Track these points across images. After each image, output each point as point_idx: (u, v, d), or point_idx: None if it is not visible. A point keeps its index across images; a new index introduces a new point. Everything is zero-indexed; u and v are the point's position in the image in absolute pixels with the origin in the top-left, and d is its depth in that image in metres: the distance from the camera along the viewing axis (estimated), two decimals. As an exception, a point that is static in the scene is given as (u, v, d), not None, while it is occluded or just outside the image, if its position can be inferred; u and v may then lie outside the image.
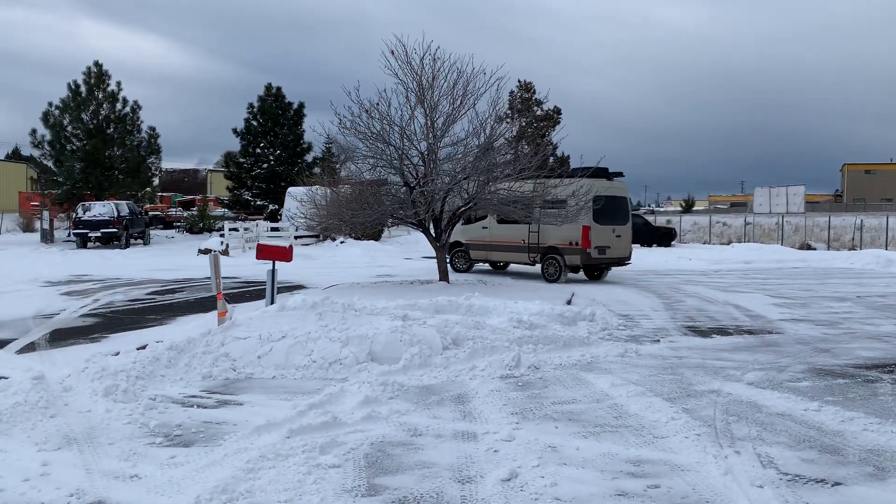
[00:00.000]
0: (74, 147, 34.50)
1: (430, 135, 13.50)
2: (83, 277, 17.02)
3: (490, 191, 14.01)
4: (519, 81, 48.08)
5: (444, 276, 14.31)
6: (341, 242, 27.62)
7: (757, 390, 6.45)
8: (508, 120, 34.65)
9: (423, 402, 6.06)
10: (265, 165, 38.21)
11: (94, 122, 34.90)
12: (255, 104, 39.23)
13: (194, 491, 4.07)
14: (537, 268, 17.49)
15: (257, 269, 16.23)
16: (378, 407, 5.76)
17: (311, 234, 26.85)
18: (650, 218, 40.04)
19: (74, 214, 30.17)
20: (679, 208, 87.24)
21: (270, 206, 36.94)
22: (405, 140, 13.43)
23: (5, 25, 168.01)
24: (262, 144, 38.80)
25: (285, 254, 10.43)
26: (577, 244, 16.27)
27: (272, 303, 10.02)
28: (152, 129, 36.96)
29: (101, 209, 29.37)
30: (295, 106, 39.34)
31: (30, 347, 8.66)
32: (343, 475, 4.37)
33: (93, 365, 6.67)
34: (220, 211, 43.62)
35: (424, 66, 13.48)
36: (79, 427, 5.33)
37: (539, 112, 47.89)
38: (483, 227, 18.25)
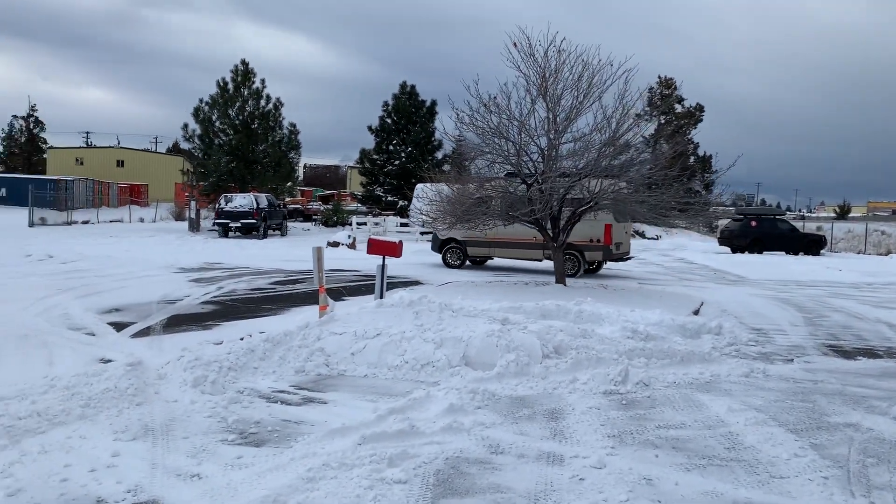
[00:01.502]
0: (221, 141, 36.50)
1: (552, 129, 12.91)
2: (215, 265, 17.77)
3: (613, 189, 13.24)
4: (659, 77, 46.20)
5: (560, 279, 13.69)
6: (466, 240, 27.43)
7: (907, 428, 5.49)
8: (647, 117, 33.26)
9: (512, 414, 5.60)
10: (397, 162, 38.83)
11: (240, 117, 36.76)
12: (390, 102, 39.96)
13: (248, 498, 3.85)
14: (544, 264, 17.95)
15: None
16: (462, 417, 5.36)
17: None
18: (797, 224, 37.08)
19: (218, 205, 31.88)
20: (833, 214, 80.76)
21: (400, 202, 37.43)
22: (524, 135, 12.92)
23: (171, 28, 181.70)
24: (394, 142, 39.47)
25: (395, 249, 10.27)
26: (599, 241, 17.05)
27: (381, 297, 9.90)
28: (293, 125, 38.52)
29: (241, 201, 30.84)
30: (427, 104, 39.71)
31: (144, 332, 8.95)
32: (407, 493, 4.01)
33: (188, 354, 6.71)
34: (353, 206, 44.82)
35: (549, 58, 12.91)
36: (160, 417, 5.29)
37: (679, 109, 45.79)
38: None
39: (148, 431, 4.98)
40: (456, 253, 19.32)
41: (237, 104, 36.79)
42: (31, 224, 32.59)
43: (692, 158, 41.56)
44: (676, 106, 45.53)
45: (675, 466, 4.53)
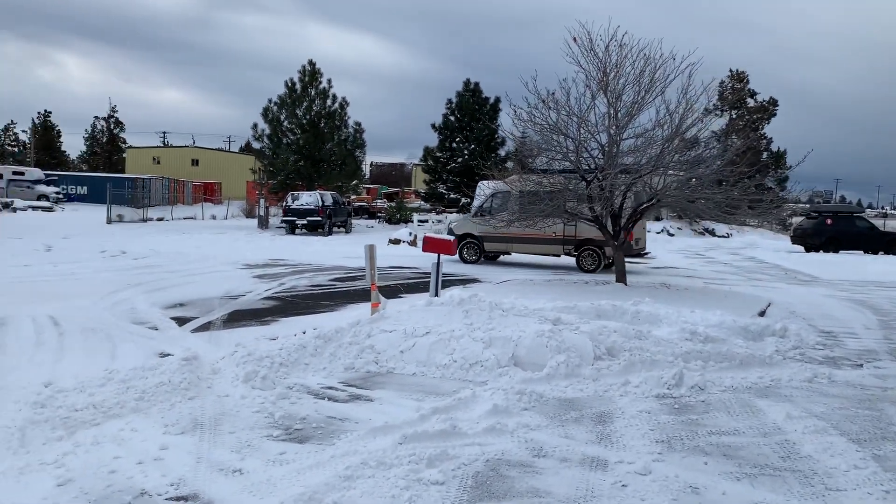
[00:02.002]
0: (289, 140, 37.28)
1: (612, 125, 12.66)
2: (279, 262, 18.13)
3: (677, 186, 12.90)
4: (730, 70, 44.82)
5: (621, 278, 13.42)
6: (528, 237, 27.24)
7: (985, 441, 5.13)
8: (716, 112, 32.26)
9: (558, 417, 5.49)
10: (459, 160, 38.92)
11: (307, 117, 37.47)
12: (454, 100, 40.05)
13: (285, 495, 3.88)
14: (563, 260, 18.67)
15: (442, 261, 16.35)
16: (506, 418, 5.29)
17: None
18: (878, 222, 35.37)
19: (285, 203, 32.58)
20: (921, 212, 76.73)
21: (462, 200, 37.47)
22: (583, 131, 12.71)
23: (243, 30, 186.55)
24: (457, 139, 39.57)
25: (449, 247, 10.28)
26: None
27: (436, 295, 9.90)
28: (358, 123, 39.06)
29: (307, 199, 31.43)
30: (491, 101, 39.62)
31: (205, 327, 9.18)
32: (443, 495, 3.97)
33: (241, 349, 6.84)
34: (417, 203, 45.10)
35: (610, 52, 12.67)
36: (210, 412, 5.40)
37: (752, 103, 44.34)
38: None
39: (197, 425, 5.09)
40: (473, 248, 19.64)
41: (304, 104, 37.50)
42: (109, 221, 33.95)
43: (764, 154, 40.20)
44: (748, 100, 44.09)
45: (724, 475, 4.36)
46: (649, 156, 12.62)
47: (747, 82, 44.62)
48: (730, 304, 10.93)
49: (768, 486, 4.19)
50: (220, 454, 4.55)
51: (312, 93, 37.65)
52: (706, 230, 36.97)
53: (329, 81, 37.99)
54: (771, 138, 44.83)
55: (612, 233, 13.55)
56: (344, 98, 38.22)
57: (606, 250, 17.07)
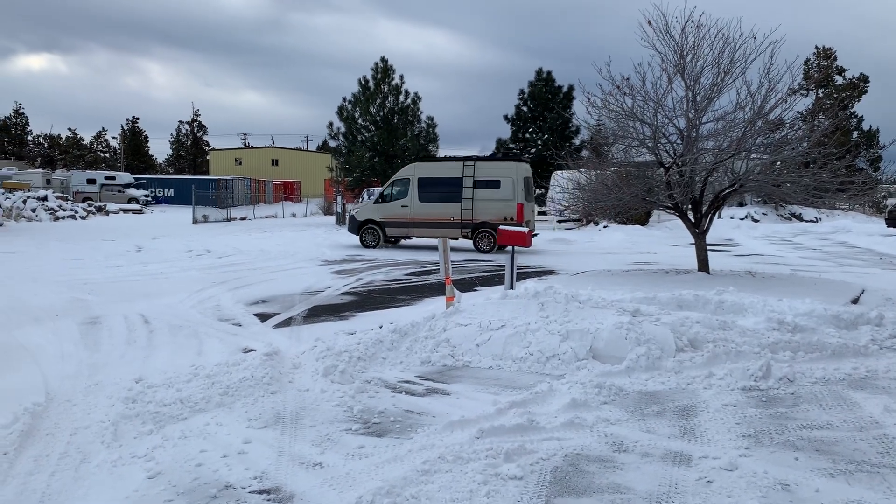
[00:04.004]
0: (364, 138, 37.77)
1: (691, 109, 12.26)
2: (356, 257, 18.41)
3: (761, 170, 12.40)
4: (816, 48, 42.84)
5: (703, 267, 13.00)
6: (604, 227, 26.81)
7: None
8: (802, 91, 30.82)
9: (639, 411, 5.35)
10: (533, 150, 38.55)
11: (381, 113, 37.85)
12: (526, 90, 39.71)
13: (363, 488, 3.92)
14: (461, 242, 20.20)
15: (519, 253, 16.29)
16: (585, 413, 5.19)
17: (574, 218, 26.42)
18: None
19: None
20: None
21: (537, 191, 37.15)
22: (660, 116, 12.34)
23: (317, 30, 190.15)
24: (530, 129, 39.23)
25: (524, 239, 10.17)
26: (512, 219, 19.18)
27: (511, 287, 9.85)
28: (430, 118, 39.16)
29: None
30: (564, 89, 39.10)
31: (286, 322, 9.39)
32: (521, 490, 3.92)
33: (320, 344, 6.97)
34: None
35: (686, 34, 12.27)
36: (292, 406, 5.52)
37: (840, 81, 42.26)
38: (403, 206, 20.54)
39: (279, 419, 5.20)
40: (373, 233, 21.06)
41: (378, 101, 37.87)
42: (195, 221, 35.25)
43: (855, 133, 38.24)
44: (836, 77, 42.00)
45: (817, 471, 4.15)
46: (731, 139, 12.15)
47: (835, 59, 42.53)
48: (820, 292, 10.44)
49: (865, 483, 3.97)
50: (301, 448, 4.63)
51: (385, 89, 37.98)
52: (793, 215, 35.47)
53: (401, 77, 38.27)
54: (862, 116, 42.68)
55: (692, 221, 13.13)
56: (416, 93, 38.44)
57: None
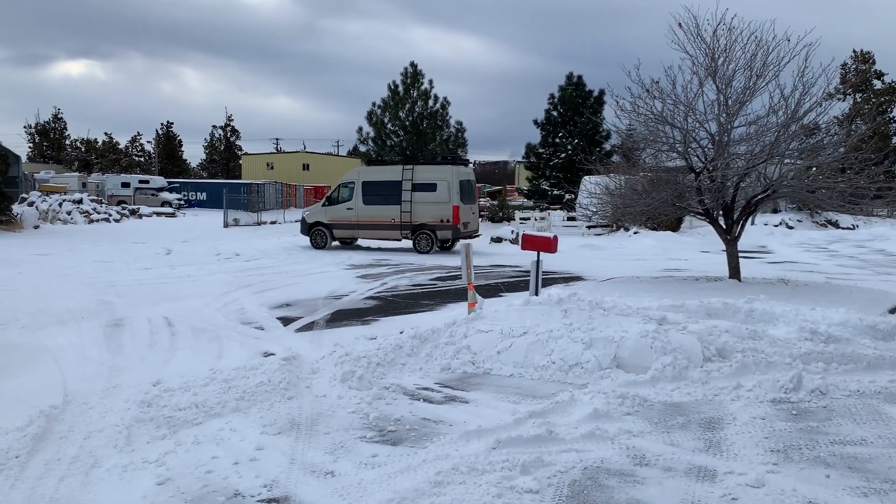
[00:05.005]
0: (393, 142, 37.86)
1: (722, 113, 12.00)
2: (381, 262, 18.35)
3: (795, 175, 12.09)
4: (854, 52, 41.98)
5: (734, 274, 12.70)
6: (634, 233, 26.44)
7: None
8: (839, 95, 30.12)
9: (664, 423, 5.18)
10: (563, 155, 38.23)
11: (410, 118, 37.92)
12: (556, 94, 39.46)
13: (373, 500, 3.81)
14: (404, 243, 21.39)
15: (544, 259, 16.11)
16: (607, 424, 5.03)
17: (604, 223, 26.13)
18: None
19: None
20: None
21: (567, 196, 36.86)
22: (691, 120, 12.09)
23: (348, 36, 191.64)
24: (560, 134, 38.91)
25: (549, 245, 10.00)
26: (448, 221, 20.20)
27: (536, 294, 9.69)
28: (459, 123, 39.12)
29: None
30: (595, 94, 38.77)
31: (308, 327, 9.35)
32: (536, 504, 3.79)
33: (339, 349, 6.90)
34: (520, 201, 44.77)
35: (718, 37, 12.02)
36: (307, 412, 5.44)
37: (879, 85, 41.33)
38: (348, 209, 21.36)
39: (293, 426, 5.12)
40: (322, 235, 21.80)
41: (407, 105, 37.95)
42: (226, 225, 35.54)
43: (894, 139, 37.34)
44: (875, 82, 41.06)
45: (849, 490, 3.95)
46: (763, 144, 11.87)
47: (873, 63, 41.58)
48: (856, 301, 10.12)
49: (902, 504, 3.77)
50: (314, 455, 4.55)
51: (414, 94, 38.04)
52: (829, 222, 34.69)
53: (430, 82, 38.28)
54: (901, 121, 41.63)
55: (723, 227, 12.85)
56: (445, 98, 38.42)
57: (438, 233, 20.30)
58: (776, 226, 32.66)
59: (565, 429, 4.89)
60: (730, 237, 12.86)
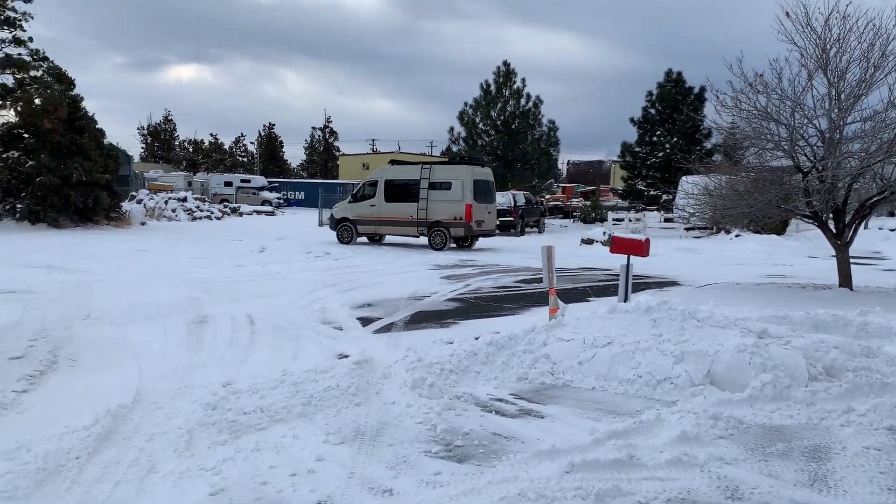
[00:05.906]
0: (484, 142, 37.63)
1: (834, 108, 11.06)
2: (468, 262, 18.11)
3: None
4: None
5: (845, 282, 11.70)
6: (736, 236, 25.16)
7: None
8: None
9: (761, 449, 4.65)
10: (660, 154, 36.97)
11: (501, 118, 37.59)
12: (654, 92, 38.22)
13: (430, 524, 3.52)
14: (421, 240, 22.33)
15: (637, 263, 15.46)
16: (696, 448, 4.56)
17: (702, 226, 24.99)
18: None
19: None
20: None
21: (664, 196, 35.59)
22: (798, 115, 11.20)
23: (445, 37, 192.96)
24: (658, 133, 37.66)
25: (640, 248, 9.48)
26: (461, 219, 20.93)
27: (625, 300, 9.21)
28: (552, 122, 38.53)
29: (500, 199, 31.41)
30: (695, 90, 37.29)
31: (387, 328, 9.17)
32: (610, 540, 3.40)
33: (411, 354, 6.65)
34: (614, 201, 43.64)
35: (830, 26, 11.09)
36: (374, 420, 5.21)
37: None
38: (371, 206, 22.38)
39: (358, 435, 4.90)
40: (348, 230, 22.98)
41: (499, 105, 37.68)
42: (320, 224, 36.21)
43: None
44: None
45: None
46: (880, 141, 10.87)
47: None
48: None
49: None
50: (374, 470, 4.30)
51: (507, 93, 37.72)
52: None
53: (523, 81, 37.89)
54: None
55: (833, 231, 11.87)
56: (538, 97, 37.94)
57: (452, 230, 21.05)
58: (892, 230, 30.35)
59: (649, 452, 4.45)
60: (840, 242, 11.88)
